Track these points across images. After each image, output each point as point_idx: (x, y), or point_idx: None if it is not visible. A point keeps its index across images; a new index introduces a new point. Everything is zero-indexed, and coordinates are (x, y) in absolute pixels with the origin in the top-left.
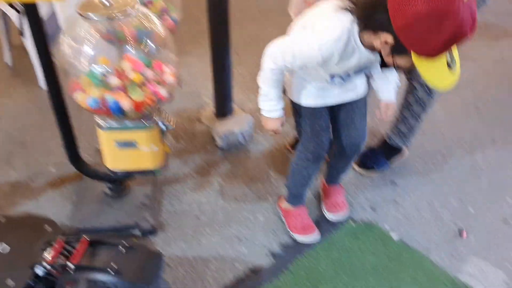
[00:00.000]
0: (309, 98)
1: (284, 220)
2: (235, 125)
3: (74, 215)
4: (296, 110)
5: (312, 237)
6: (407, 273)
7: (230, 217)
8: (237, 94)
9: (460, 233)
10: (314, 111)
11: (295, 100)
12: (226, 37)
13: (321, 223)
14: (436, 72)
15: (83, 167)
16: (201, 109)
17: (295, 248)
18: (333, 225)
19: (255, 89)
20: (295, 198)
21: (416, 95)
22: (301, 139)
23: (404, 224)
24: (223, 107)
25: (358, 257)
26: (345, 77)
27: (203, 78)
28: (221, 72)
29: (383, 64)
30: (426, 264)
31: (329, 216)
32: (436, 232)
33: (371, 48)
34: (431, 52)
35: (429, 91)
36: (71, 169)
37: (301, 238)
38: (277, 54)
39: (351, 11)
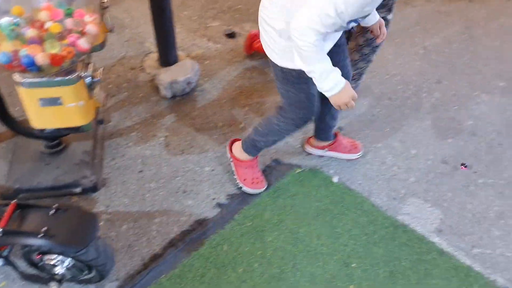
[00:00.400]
0: (293, 59)
1: (234, 169)
2: (179, 73)
3: (10, 175)
4: (286, 77)
5: (259, 190)
6: (349, 216)
7: (175, 169)
8: (184, 39)
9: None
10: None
11: (289, 65)
12: None
13: (268, 171)
14: None
15: (14, 125)
16: (144, 57)
17: (242, 197)
18: (280, 172)
19: (203, 33)
20: (257, 151)
21: (365, 36)
22: (288, 105)
23: (348, 168)
24: (166, 55)
25: (302, 203)
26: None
27: (147, 23)
28: (160, 17)
29: None
30: (367, 206)
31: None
32: (378, 175)
33: None
34: None
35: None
36: (3, 127)
37: (249, 190)
38: (315, 21)
39: None
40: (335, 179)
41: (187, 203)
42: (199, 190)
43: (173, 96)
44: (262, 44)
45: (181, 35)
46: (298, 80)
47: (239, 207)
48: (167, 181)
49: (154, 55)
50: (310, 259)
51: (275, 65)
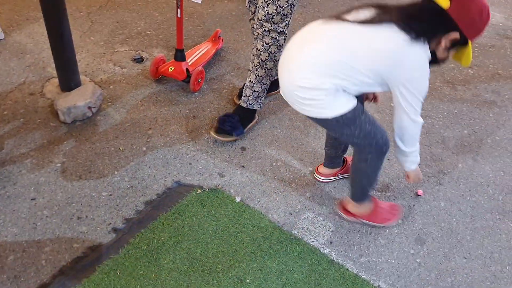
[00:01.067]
0: (351, 98)
1: (372, 224)
2: (80, 98)
3: None
4: (344, 121)
5: (400, 213)
6: (246, 233)
7: (71, 196)
8: (90, 64)
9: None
10: (358, 106)
11: (342, 111)
12: (60, 3)
13: (168, 193)
14: (470, 53)
15: None
16: (45, 82)
17: (139, 221)
18: (180, 194)
19: (109, 58)
20: (369, 192)
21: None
22: (362, 143)
23: (248, 187)
24: (67, 80)
25: (201, 223)
26: None
27: (49, 48)
28: (59, 41)
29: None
30: (264, 222)
31: None
32: (276, 191)
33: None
34: (477, 37)
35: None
36: None
37: (397, 221)
38: (417, 108)
39: (415, 37)
40: (238, 199)
41: (81, 229)
42: (95, 215)
43: (74, 121)
44: (304, 113)
45: (87, 60)
46: (353, 116)
47: (135, 231)
48: (61, 208)
49: (55, 80)
50: (205, 278)
51: (328, 121)
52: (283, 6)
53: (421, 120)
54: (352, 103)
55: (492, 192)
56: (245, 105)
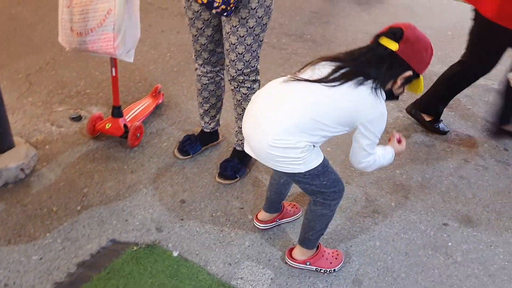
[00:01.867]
0: (320, 152)
1: (315, 268)
2: (12, 160)
3: None
4: (315, 174)
5: (343, 258)
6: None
7: None
8: (26, 125)
9: None
10: (325, 158)
11: (315, 165)
12: None
13: (102, 252)
14: (422, 83)
15: None
16: None
17: (70, 284)
18: (115, 252)
19: (47, 118)
20: (318, 239)
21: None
22: (327, 191)
23: (187, 240)
24: None
25: (136, 281)
26: None
27: None
28: None
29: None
30: (203, 275)
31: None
32: (216, 242)
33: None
34: (426, 69)
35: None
36: None
37: (340, 266)
38: (369, 150)
39: (375, 86)
40: (175, 253)
41: None
42: (23, 281)
43: (5, 184)
44: (277, 169)
45: (23, 121)
46: (323, 167)
47: None
48: None
49: None
50: None
51: (301, 175)
52: (249, 60)
53: (375, 151)
54: (322, 155)
55: (424, 228)
56: (240, 148)
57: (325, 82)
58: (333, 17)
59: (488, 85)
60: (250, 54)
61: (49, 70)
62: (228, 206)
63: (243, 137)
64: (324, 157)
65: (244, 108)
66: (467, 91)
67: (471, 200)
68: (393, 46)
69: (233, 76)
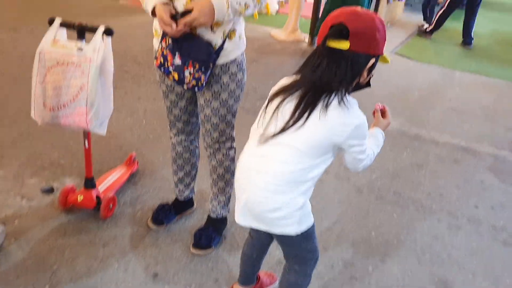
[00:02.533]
0: (311, 212)
1: None
2: None
3: None
4: (305, 236)
5: None
6: None
7: None
8: (8, 198)
9: None
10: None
11: (308, 225)
12: None
13: None
14: (385, 57)
15: None
16: None
17: None
18: None
19: (17, 191)
20: None
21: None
22: (307, 257)
23: None
24: None
25: None
26: None
27: None
28: None
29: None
30: None
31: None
32: None
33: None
34: (384, 45)
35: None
36: None
37: None
38: (362, 155)
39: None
40: None
41: None
42: None
43: None
44: (271, 231)
45: None
46: (312, 229)
47: None
48: None
49: None
50: None
51: (293, 238)
52: (224, 129)
53: (368, 151)
54: (312, 216)
55: None
56: (215, 215)
57: (292, 125)
58: None
59: (455, 143)
60: (224, 123)
61: (22, 142)
62: (203, 278)
63: (217, 203)
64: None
65: (219, 174)
66: (436, 150)
67: (446, 261)
68: (344, 45)
69: (209, 144)
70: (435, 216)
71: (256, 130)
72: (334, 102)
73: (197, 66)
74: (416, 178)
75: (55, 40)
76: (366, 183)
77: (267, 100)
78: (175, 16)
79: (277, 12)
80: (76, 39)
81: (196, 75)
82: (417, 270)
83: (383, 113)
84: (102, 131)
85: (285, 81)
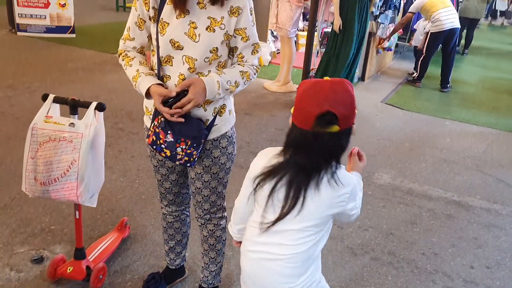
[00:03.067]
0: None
1: None
2: None
3: None
4: None
5: None
6: None
7: None
8: None
9: None
10: None
11: None
12: None
13: None
14: None
15: None
16: None
17: None
18: None
19: (6, 262)
20: None
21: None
22: None
23: None
24: None
25: None
26: None
27: None
28: None
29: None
30: None
31: None
32: None
33: None
34: None
35: None
36: None
37: None
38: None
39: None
40: None
41: None
42: None
43: None
44: None
45: None
46: None
47: None
48: None
49: None
50: None
51: None
52: (215, 201)
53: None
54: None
55: None
56: (206, 286)
57: (289, 212)
58: None
59: (448, 197)
60: (215, 195)
61: (14, 207)
62: None
63: (209, 273)
64: None
65: (210, 244)
66: (429, 204)
67: None
68: (334, 129)
69: (200, 215)
70: (430, 277)
71: (252, 219)
72: (324, 179)
73: (189, 143)
74: (410, 236)
75: (48, 116)
76: (360, 243)
77: (253, 182)
78: (169, 99)
79: (270, 63)
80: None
81: (188, 151)
82: None
83: (359, 156)
84: (92, 203)
85: (266, 159)
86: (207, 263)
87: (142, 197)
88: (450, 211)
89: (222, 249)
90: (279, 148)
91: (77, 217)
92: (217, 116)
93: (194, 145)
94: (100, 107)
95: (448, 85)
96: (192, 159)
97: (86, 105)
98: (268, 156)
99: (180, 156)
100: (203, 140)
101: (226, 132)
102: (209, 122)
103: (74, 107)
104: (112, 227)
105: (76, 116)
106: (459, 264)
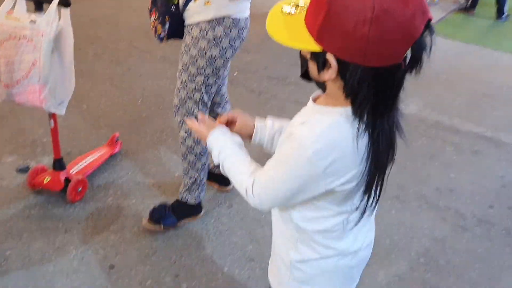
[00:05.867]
0: None
1: None
2: None
3: None
4: None
5: None
6: None
7: None
8: None
9: None
10: None
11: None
12: None
13: None
14: None
15: None
16: None
17: None
18: None
19: None
20: None
21: None
22: None
23: None
24: None
25: None
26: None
27: None
28: None
29: None
30: None
31: None
32: None
33: None
34: None
35: None
36: None
37: None
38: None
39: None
40: None
41: None
42: None
43: None
44: None
45: None
46: None
47: None
48: None
49: None
50: None
51: None
52: (186, 84)
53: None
54: None
55: None
56: (180, 197)
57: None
58: None
59: (479, 132)
60: (187, 77)
61: (10, 118)
62: (162, 273)
63: (183, 185)
64: None
65: (183, 153)
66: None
67: (443, 268)
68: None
69: (176, 106)
70: (440, 214)
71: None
72: None
73: (156, 15)
74: (427, 170)
75: (9, 12)
76: None
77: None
78: None
79: None
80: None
81: (156, 23)
82: (407, 276)
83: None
84: (61, 111)
85: (344, 143)
86: (183, 172)
87: (142, 115)
88: (478, 147)
89: (196, 163)
90: (342, 111)
91: (52, 126)
92: (192, 1)
93: (160, 19)
94: (65, 2)
95: (503, 15)
96: (157, 33)
97: (50, 0)
98: (342, 136)
99: (151, 27)
100: (167, 17)
101: (198, 23)
102: (182, 4)
103: (39, 3)
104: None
105: (42, 13)
106: (476, 203)
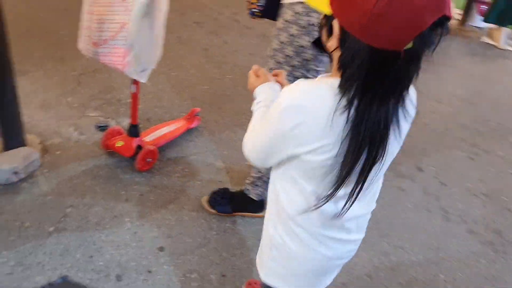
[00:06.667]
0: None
1: None
2: (8, 161)
3: None
4: None
5: None
6: None
7: None
8: (50, 125)
9: None
10: None
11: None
12: (4, 62)
13: None
14: None
15: None
16: None
17: None
18: None
19: (74, 121)
20: None
21: None
22: None
23: None
24: (7, 139)
25: None
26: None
27: None
28: (2, 98)
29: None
30: None
31: None
32: None
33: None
34: None
35: None
36: None
37: None
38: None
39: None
40: None
41: None
42: None
43: None
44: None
45: (50, 121)
46: None
47: None
48: None
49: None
50: None
51: None
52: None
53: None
54: None
55: None
56: (244, 188)
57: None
58: None
59: None
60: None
61: (103, 73)
62: (209, 268)
63: (249, 179)
64: None
65: None
66: None
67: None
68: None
69: None
70: None
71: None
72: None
73: None
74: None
75: None
76: None
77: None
78: None
79: None
80: None
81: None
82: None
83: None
84: (142, 79)
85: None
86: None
87: (226, 93)
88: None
89: None
90: (331, 81)
91: (134, 91)
92: None
93: None
94: None
95: None
96: (252, 7)
97: None
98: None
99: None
100: None
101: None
102: None
103: None
104: (186, 115)
105: None
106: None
